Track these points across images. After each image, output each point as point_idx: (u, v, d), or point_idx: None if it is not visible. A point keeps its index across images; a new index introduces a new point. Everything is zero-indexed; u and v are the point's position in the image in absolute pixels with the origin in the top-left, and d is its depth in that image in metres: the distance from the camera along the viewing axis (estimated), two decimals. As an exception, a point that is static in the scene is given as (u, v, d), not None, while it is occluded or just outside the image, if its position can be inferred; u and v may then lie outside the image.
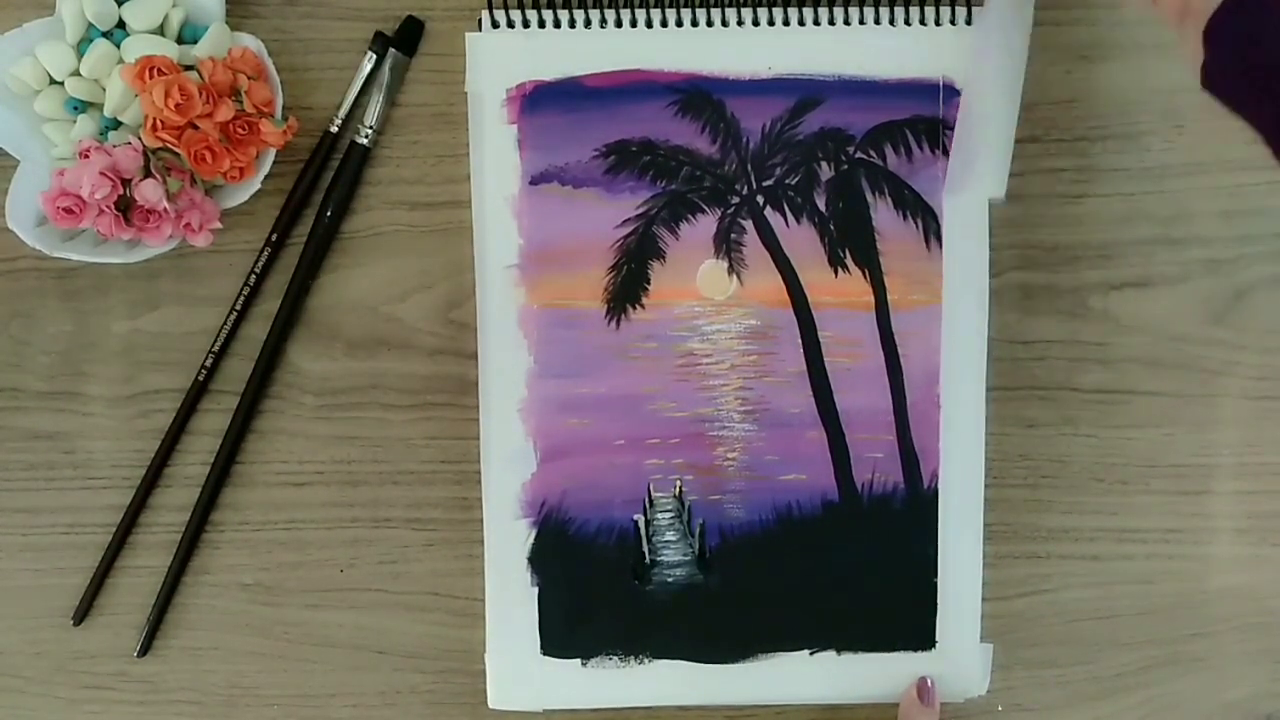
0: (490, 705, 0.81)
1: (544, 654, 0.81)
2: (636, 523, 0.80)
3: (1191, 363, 0.81)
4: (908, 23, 0.79)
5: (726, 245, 0.80)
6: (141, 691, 0.82)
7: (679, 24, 0.80)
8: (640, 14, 0.80)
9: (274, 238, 0.81)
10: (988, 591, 0.81)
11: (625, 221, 0.80)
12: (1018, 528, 0.82)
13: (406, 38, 0.81)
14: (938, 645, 0.81)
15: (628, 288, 0.80)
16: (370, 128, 0.80)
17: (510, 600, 0.81)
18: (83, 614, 0.82)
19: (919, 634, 0.81)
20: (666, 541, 0.81)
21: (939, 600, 0.81)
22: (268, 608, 0.82)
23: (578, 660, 0.81)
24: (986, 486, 0.81)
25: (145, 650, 0.82)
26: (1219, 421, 0.82)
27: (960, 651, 0.81)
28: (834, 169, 0.80)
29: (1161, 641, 0.82)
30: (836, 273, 0.80)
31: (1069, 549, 0.82)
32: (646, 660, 0.81)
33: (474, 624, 0.81)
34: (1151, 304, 0.81)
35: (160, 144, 0.76)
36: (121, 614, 0.82)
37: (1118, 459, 0.82)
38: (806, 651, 0.81)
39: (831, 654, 0.81)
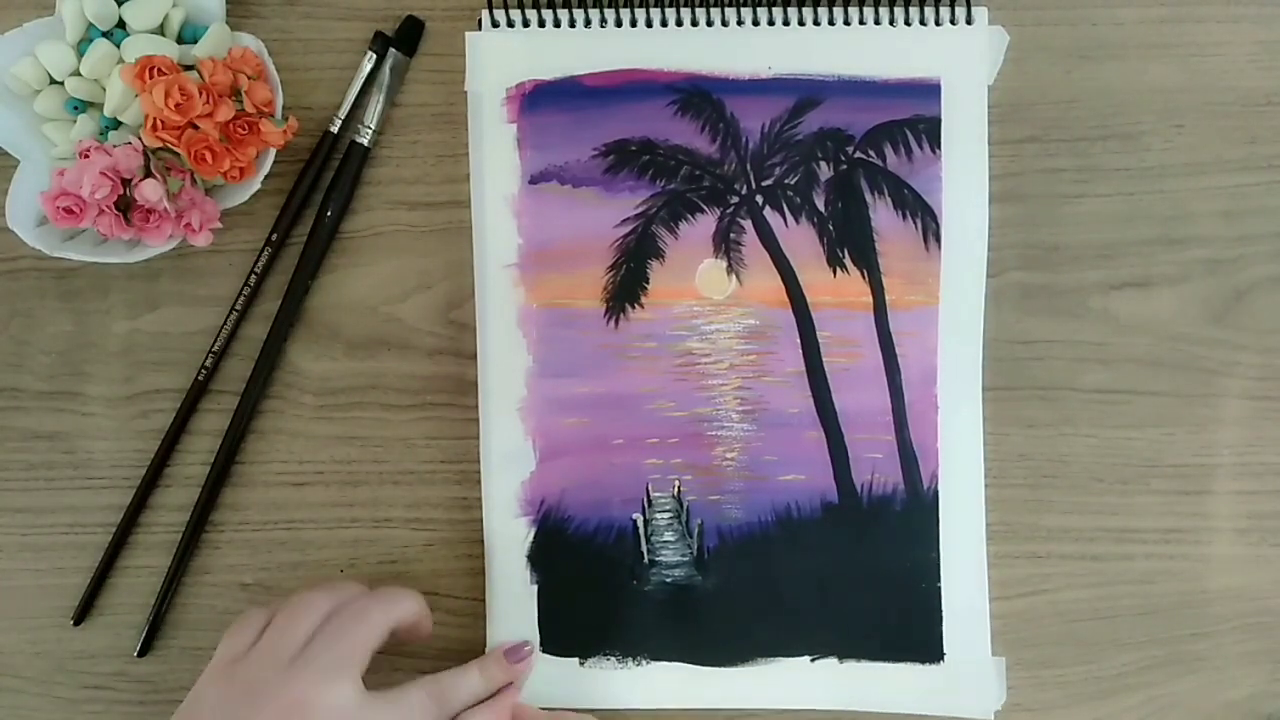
0: (489, 704, 0.81)
1: (542, 652, 0.81)
2: (635, 522, 0.80)
3: (1191, 363, 0.81)
4: (907, 23, 0.79)
5: (725, 245, 0.80)
6: (141, 691, 0.82)
7: (679, 24, 0.80)
8: (640, 14, 0.80)
9: (274, 238, 0.81)
10: (988, 592, 0.81)
11: (624, 221, 0.80)
12: (1018, 528, 0.82)
13: (406, 38, 0.81)
14: (946, 658, 0.81)
15: (627, 287, 0.80)
16: (370, 128, 0.80)
17: (509, 598, 0.81)
18: (83, 614, 0.82)
19: (926, 645, 0.81)
20: (665, 541, 0.80)
21: (944, 609, 0.81)
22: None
23: (575, 659, 0.81)
24: (986, 486, 0.81)
25: (145, 650, 0.82)
26: (1219, 421, 0.82)
27: (971, 665, 0.81)
28: (833, 169, 0.80)
29: (1161, 641, 0.82)
30: (835, 273, 0.80)
31: (1069, 549, 0.82)
32: (644, 662, 0.80)
33: (474, 624, 0.81)
34: (1151, 304, 0.81)
35: (160, 144, 0.76)
36: (121, 614, 0.82)
37: (1118, 459, 0.82)
38: (807, 658, 0.81)
39: (833, 661, 0.81)
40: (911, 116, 0.80)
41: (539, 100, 0.80)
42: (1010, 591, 0.82)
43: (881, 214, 0.80)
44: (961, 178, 0.80)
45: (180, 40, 0.79)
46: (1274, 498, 0.82)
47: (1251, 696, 0.82)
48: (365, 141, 0.80)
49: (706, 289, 0.80)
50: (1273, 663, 0.82)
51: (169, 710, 0.80)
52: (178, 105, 0.75)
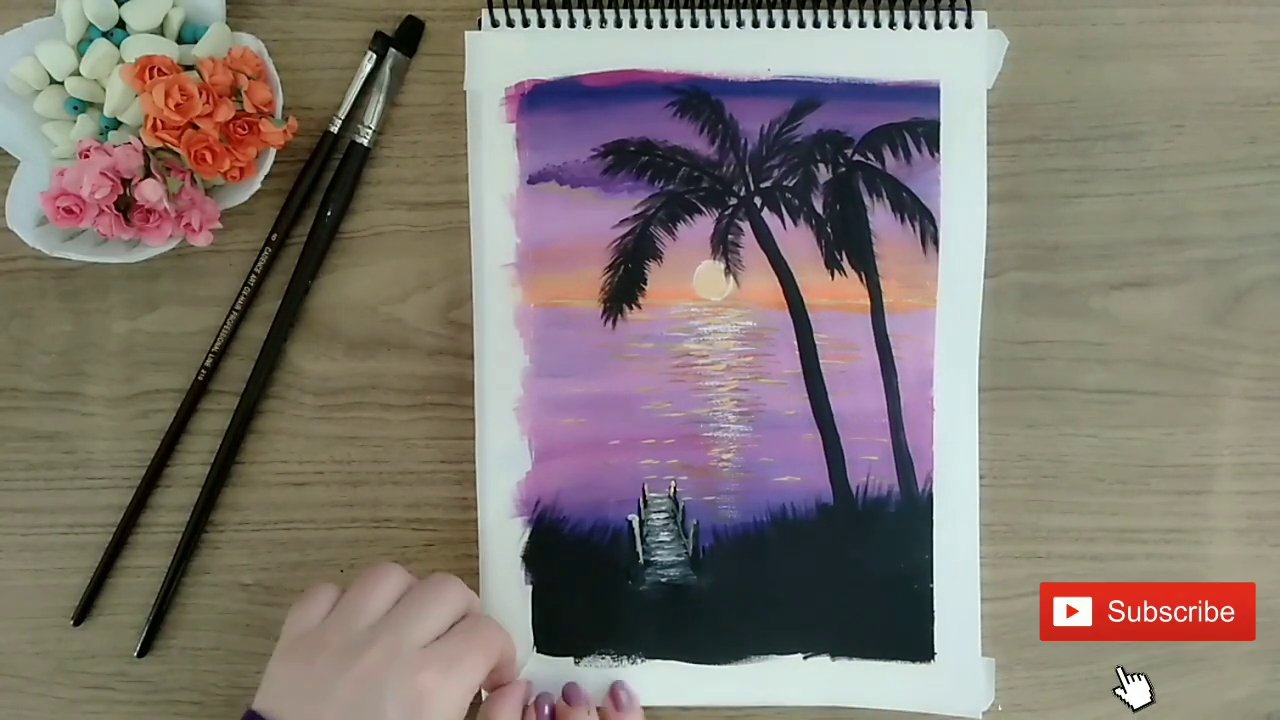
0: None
1: (537, 651, 0.81)
2: (631, 523, 0.80)
3: (1191, 363, 0.81)
4: (907, 26, 0.79)
5: (724, 246, 0.80)
6: (141, 691, 0.82)
7: (678, 24, 0.80)
8: (640, 14, 0.80)
9: (274, 238, 0.81)
10: (987, 592, 0.81)
11: (623, 221, 0.80)
12: (1017, 528, 0.82)
13: (406, 37, 0.81)
14: (937, 658, 0.81)
15: (624, 288, 0.80)
16: (370, 128, 0.80)
17: (504, 598, 0.81)
18: (83, 614, 0.82)
19: (917, 644, 0.81)
20: (660, 542, 0.81)
21: (936, 609, 0.81)
22: (268, 608, 0.82)
23: (571, 658, 0.81)
24: (986, 487, 0.81)
25: (145, 650, 0.82)
26: (1219, 421, 0.82)
27: (961, 665, 0.81)
28: (832, 171, 0.80)
29: (1161, 641, 0.82)
30: (833, 275, 0.80)
31: (1069, 549, 0.82)
32: (639, 660, 0.81)
33: (473, 624, 0.81)
34: (1151, 304, 0.81)
35: (160, 144, 0.76)
36: (121, 614, 0.82)
37: (1118, 459, 0.82)
38: (800, 656, 0.81)
39: (825, 659, 0.81)
40: (910, 119, 0.80)
41: (538, 100, 0.80)
42: (1011, 591, 0.82)
43: (880, 217, 0.80)
44: (960, 181, 0.80)
45: (180, 40, 0.79)
46: (1274, 498, 0.82)
47: (1251, 696, 0.82)
48: (365, 141, 0.80)
49: (704, 290, 0.80)
50: (1273, 663, 0.82)
51: (169, 710, 0.80)
52: (178, 105, 0.75)
